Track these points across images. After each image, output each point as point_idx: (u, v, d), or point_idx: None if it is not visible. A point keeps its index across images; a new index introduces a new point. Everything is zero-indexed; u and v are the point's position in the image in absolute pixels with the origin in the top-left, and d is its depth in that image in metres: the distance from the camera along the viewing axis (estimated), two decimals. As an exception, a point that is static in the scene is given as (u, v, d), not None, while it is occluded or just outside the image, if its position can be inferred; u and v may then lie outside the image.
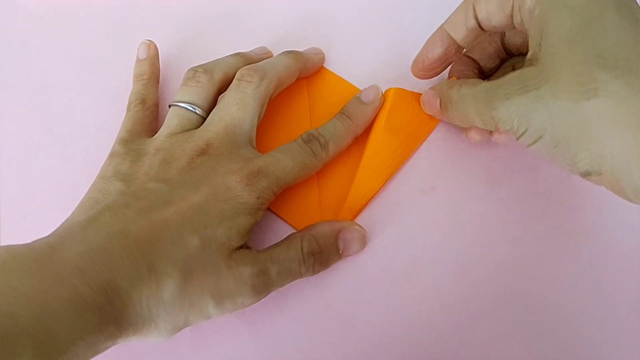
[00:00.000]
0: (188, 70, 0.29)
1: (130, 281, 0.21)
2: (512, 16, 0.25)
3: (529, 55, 0.23)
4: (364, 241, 0.28)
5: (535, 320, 0.27)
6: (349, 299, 0.28)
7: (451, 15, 0.28)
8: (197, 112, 0.28)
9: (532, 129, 0.23)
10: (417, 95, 0.31)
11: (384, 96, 0.31)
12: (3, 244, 0.29)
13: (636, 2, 0.22)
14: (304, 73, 0.32)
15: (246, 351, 0.27)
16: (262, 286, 0.24)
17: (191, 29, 0.36)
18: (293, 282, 0.28)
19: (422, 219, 0.30)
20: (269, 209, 0.30)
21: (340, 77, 0.34)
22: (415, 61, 0.30)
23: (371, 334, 0.27)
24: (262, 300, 0.25)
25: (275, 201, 0.30)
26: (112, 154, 0.27)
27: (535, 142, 0.23)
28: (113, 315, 0.21)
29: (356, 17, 0.36)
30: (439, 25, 0.28)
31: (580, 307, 0.28)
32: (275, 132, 0.32)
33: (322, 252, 0.26)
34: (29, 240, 0.22)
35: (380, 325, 0.27)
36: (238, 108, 0.27)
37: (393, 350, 0.27)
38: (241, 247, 0.24)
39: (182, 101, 0.28)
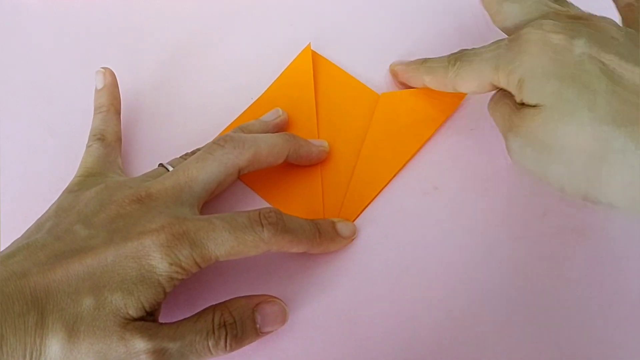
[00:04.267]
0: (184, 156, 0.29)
1: (15, 331, 0.20)
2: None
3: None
4: (284, 316, 0.26)
5: (537, 319, 0.27)
6: (351, 298, 0.28)
7: (430, 70, 0.29)
8: (170, 168, 0.27)
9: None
10: (408, 93, 0.32)
11: (376, 101, 0.32)
12: (3, 244, 0.29)
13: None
14: (295, 159, 0.29)
15: (249, 350, 0.27)
16: None
17: (192, 26, 0.36)
18: (294, 281, 0.28)
19: (424, 218, 0.30)
20: (271, 205, 0.30)
21: (350, 75, 0.34)
22: (394, 73, 0.32)
23: (374, 333, 0.27)
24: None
25: (277, 198, 0.30)
26: (66, 190, 0.27)
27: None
28: None
29: (358, 14, 0.36)
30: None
31: (582, 306, 0.28)
32: None
33: (235, 324, 0.23)
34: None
35: (383, 325, 0.27)
36: (196, 167, 0.25)
37: (396, 349, 0.27)
38: (142, 318, 0.22)
39: (168, 163, 0.28)
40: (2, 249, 0.29)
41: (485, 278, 0.28)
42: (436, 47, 0.35)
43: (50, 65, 0.35)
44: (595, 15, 0.25)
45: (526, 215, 0.29)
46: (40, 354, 0.20)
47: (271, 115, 0.31)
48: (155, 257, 0.22)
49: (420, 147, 0.31)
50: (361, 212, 0.30)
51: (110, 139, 0.30)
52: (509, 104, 0.25)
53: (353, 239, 0.29)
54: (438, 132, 0.32)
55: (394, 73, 0.32)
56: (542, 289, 0.28)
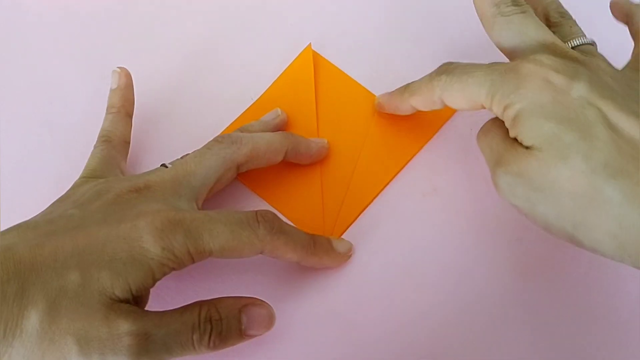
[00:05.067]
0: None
1: None
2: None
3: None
4: (271, 321, 0.25)
5: (535, 321, 0.27)
6: (349, 299, 0.28)
7: (415, 90, 0.27)
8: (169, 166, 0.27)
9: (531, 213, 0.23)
10: None
11: (375, 105, 0.32)
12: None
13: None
14: (295, 156, 0.29)
15: (247, 351, 0.27)
16: (142, 350, 0.20)
17: (192, 27, 0.36)
18: (293, 282, 0.28)
19: (423, 219, 0.30)
20: (271, 205, 0.30)
21: (350, 77, 0.34)
22: (380, 106, 0.31)
23: (372, 334, 0.27)
24: (263, 299, 0.25)
25: (277, 199, 0.30)
26: (71, 187, 0.27)
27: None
28: None
29: (358, 19, 0.36)
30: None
31: (581, 308, 0.28)
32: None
33: (221, 321, 0.23)
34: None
35: (381, 326, 0.27)
36: (195, 161, 0.26)
37: (394, 350, 0.27)
38: (128, 301, 0.21)
39: (170, 163, 0.28)
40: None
41: (484, 279, 0.28)
42: (438, 50, 0.35)
43: (50, 65, 0.35)
44: (593, 56, 0.25)
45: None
46: (17, 325, 0.19)
47: (270, 116, 0.32)
48: (147, 240, 0.21)
49: (420, 149, 0.31)
50: (360, 214, 0.30)
51: (117, 141, 0.29)
52: (500, 136, 0.24)
53: (349, 257, 0.29)
54: (437, 133, 0.32)
55: (379, 106, 0.31)
56: (540, 291, 0.28)
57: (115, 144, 0.29)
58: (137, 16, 0.36)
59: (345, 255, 0.28)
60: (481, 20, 0.26)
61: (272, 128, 0.31)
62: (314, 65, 0.33)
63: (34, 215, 0.26)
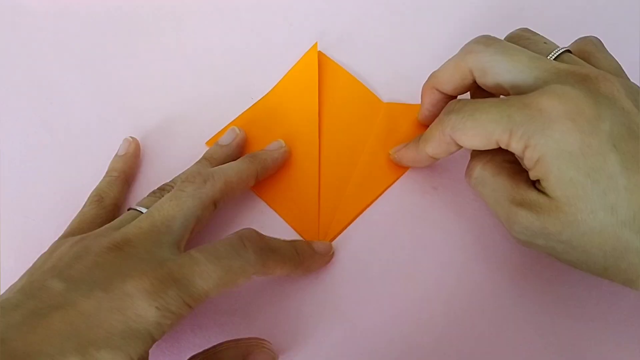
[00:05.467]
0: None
1: None
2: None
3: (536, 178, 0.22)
4: None
5: (535, 319, 0.27)
6: (350, 299, 0.28)
7: (428, 137, 0.26)
8: (142, 210, 0.26)
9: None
10: (413, 107, 0.31)
11: (379, 108, 0.32)
12: (4, 244, 0.29)
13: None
14: (264, 174, 0.29)
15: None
16: None
17: (193, 26, 0.36)
18: (294, 280, 0.28)
19: (423, 218, 0.30)
20: (267, 204, 0.30)
21: (356, 79, 0.34)
22: (398, 161, 0.30)
23: (373, 333, 0.27)
24: (264, 298, 0.25)
25: (274, 198, 0.30)
26: (47, 251, 0.26)
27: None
28: None
29: (362, 20, 0.36)
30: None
31: (581, 306, 0.28)
32: (280, 129, 0.32)
33: None
34: (30, 241, 0.22)
35: (382, 324, 0.27)
36: (171, 205, 0.25)
37: (395, 349, 0.27)
38: None
39: (139, 205, 0.27)
40: (1, 247, 0.29)
41: (484, 278, 0.28)
42: (444, 50, 0.35)
43: (50, 65, 0.35)
44: (601, 72, 0.23)
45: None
46: None
47: (229, 137, 0.31)
48: (141, 306, 0.21)
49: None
50: (356, 217, 0.30)
51: (108, 202, 0.29)
52: (507, 187, 0.24)
53: (331, 256, 0.29)
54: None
55: (397, 161, 0.30)
56: (540, 289, 0.28)
57: (106, 204, 0.29)
58: (137, 16, 0.36)
59: (327, 256, 0.28)
60: (472, 67, 0.25)
61: (235, 149, 0.31)
62: (319, 65, 0.33)
63: (34, 214, 0.26)
